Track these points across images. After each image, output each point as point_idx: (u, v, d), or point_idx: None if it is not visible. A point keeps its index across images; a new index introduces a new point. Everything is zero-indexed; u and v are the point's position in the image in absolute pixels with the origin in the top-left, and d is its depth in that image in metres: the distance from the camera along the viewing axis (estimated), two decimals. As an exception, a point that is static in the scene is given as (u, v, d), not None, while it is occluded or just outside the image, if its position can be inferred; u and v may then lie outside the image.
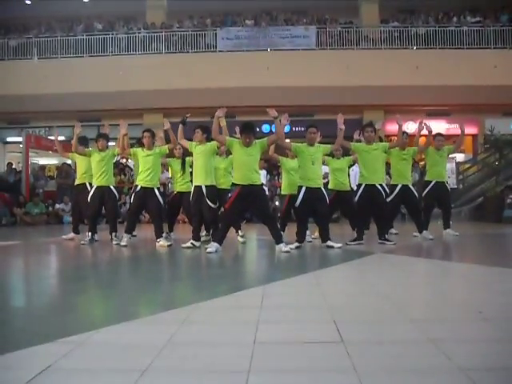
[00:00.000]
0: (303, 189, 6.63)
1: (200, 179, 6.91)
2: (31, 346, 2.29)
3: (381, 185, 7.06)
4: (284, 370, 1.99)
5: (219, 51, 17.42)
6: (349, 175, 8.46)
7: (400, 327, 2.59)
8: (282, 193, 7.91)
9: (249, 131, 6.26)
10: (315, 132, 6.73)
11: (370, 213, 7.41)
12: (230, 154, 6.75)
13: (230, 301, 3.33)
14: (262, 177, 10.97)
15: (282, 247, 6.17)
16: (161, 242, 7.15)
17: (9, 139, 19.60)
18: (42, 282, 4.61)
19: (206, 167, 6.89)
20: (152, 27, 18.47)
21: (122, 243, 7.21)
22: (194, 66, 16.42)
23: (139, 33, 18.00)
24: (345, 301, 3.34)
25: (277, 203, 12.37)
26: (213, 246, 6.24)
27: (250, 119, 17.32)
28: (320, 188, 6.69)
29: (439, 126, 18.43)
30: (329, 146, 6.85)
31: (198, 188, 6.93)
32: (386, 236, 7.16)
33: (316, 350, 2.23)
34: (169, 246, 7.08)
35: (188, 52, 17.40)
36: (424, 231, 7.81)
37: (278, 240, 6.29)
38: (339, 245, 6.55)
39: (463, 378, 1.85)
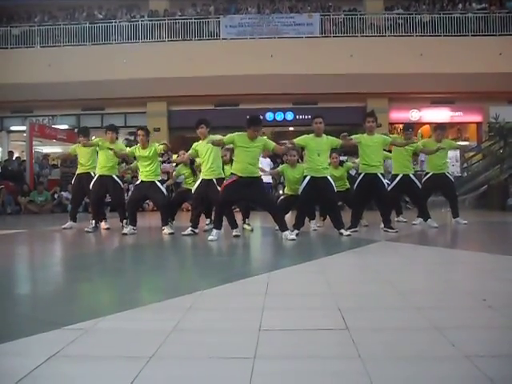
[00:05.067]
0: (307, 178, 6.67)
1: (211, 173, 6.96)
2: (38, 333, 2.31)
3: (382, 174, 7.11)
4: (289, 357, 2.00)
5: (222, 39, 17.38)
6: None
7: (405, 314, 2.59)
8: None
9: (257, 125, 6.28)
10: (321, 122, 6.69)
11: (366, 201, 7.53)
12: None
13: (235, 288, 3.35)
14: (266, 165, 11.00)
15: (288, 235, 6.18)
16: (165, 230, 7.24)
17: (12, 128, 19.56)
18: (47, 269, 4.63)
19: (214, 162, 6.99)
20: (155, 15, 18.41)
21: (124, 231, 7.33)
22: (197, 54, 16.38)
23: (142, 21, 17.94)
24: (349, 288, 3.35)
25: (280, 192, 12.35)
26: (214, 234, 6.32)
27: (253, 107, 17.45)
28: (326, 177, 6.70)
29: (443, 114, 18.41)
30: (337, 140, 6.79)
31: (206, 181, 6.95)
32: (391, 224, 7.19)
33: (321, 337, 2.24)
34: (170, 233, 7.16)
35: (191, 40, 17.35)
36: (428, 219, 7.82)
37: (283, 228, 6.31)
38: (348, 232, 6.61)
39: (468, 365, 1.86)
